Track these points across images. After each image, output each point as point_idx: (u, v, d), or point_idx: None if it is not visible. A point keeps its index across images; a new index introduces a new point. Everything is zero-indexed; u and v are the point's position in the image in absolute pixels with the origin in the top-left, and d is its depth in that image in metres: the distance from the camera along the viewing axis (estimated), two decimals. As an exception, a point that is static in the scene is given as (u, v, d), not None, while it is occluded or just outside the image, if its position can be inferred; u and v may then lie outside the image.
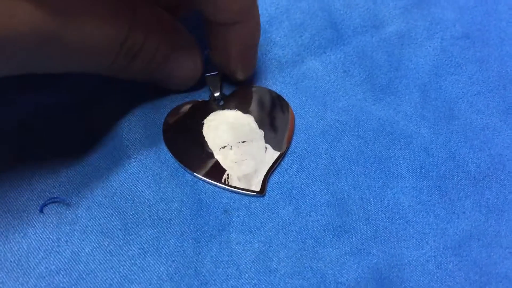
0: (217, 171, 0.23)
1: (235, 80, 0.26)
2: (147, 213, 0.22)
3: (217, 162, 0.23)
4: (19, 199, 0.22)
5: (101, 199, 0.22)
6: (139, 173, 0.23)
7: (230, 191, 0.23)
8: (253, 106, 0.25)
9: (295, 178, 0.23)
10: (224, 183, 0.23)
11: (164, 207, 0.22)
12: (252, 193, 0.23)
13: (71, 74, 0.25)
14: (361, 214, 0.23)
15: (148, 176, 0.23)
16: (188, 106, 0.25)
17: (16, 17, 0.15)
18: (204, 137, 0.24)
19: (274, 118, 0.25)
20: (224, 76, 0.26)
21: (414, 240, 0.22)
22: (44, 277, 0.20)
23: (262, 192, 0.23)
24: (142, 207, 0.22)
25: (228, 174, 0.23)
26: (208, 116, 0.25)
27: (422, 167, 0.24)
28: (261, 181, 0.23)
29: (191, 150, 0.24)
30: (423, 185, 0.24)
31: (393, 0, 0.29)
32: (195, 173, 0.23)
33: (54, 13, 0.16)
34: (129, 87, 0.25)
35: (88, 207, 0.22)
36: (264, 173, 0.23)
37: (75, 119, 0.24)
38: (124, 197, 0.22)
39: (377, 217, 0.23)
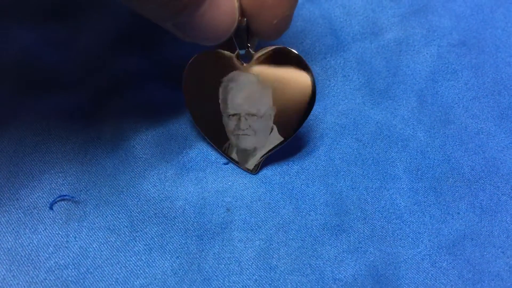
0: (220, 138, 0.24)
1: (260, 39, 0.22)
2: (153, 211, 0.23)
3: (222, 128, 0.24)
4: (30, 197, 0.23)
5: (108, 197, 0.23)
6: (144, 172, 0.24)
7: (227, 159, 0.24)
8: (278, 76, 0.22)
9: (295, 178, 0.24)
10: (224, 152, 0.24)
11: (169, 205, 0.23)
12: (245, 170, 0.24)
13: (81, 75, 0.26)
14: (358, 214, 0.23)
15: (153, 175, 0.24)
16: (210, 55, 0.23)
17: None
18: (218, 98, 0.23)
19: (294, 98, 0.23)
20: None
21: (410, 239, 0.23)
22: (54, 271, 0.21)
23: (254, 171, 0.24)
24: (147, 205, 0.23)
25: (229, 144, 0.24)
26: (227, 74, 0.23)
27: (418, 169, 0.25)
28: (256, 162, 0.24)
29: (204, 107, 0.24)
30: (419, 187, 0.24)
31: (391, 8, 0.30)
32: (202, 132, 0.24)
33: None
34: (136, 89, 0.26)
35: (96, 204, 0.23)
36: (262, 154, 0.24)
37: (83, 120, 0.25)
38: (130, 195, 0.23)
39: (374, 217, 0.23)
